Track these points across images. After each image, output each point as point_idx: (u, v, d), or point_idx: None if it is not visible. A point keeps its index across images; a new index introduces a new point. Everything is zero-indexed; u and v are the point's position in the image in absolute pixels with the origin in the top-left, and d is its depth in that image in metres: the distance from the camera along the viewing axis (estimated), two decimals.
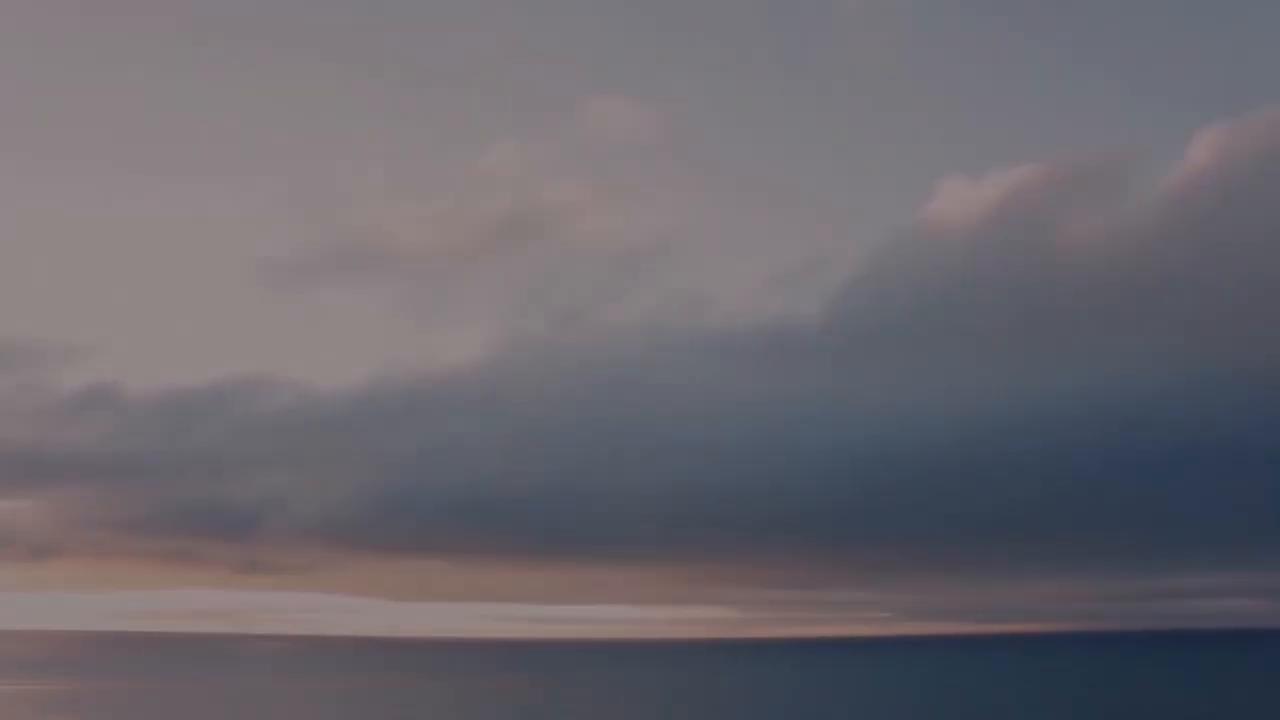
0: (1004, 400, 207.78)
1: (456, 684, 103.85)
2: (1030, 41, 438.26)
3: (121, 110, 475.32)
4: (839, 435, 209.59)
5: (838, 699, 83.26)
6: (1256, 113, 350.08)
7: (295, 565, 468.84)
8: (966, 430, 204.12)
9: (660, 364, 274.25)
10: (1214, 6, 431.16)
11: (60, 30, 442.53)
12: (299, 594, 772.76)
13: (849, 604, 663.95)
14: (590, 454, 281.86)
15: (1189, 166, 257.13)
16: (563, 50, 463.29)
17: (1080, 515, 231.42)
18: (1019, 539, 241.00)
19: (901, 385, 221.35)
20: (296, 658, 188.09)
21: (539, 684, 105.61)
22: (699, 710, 71.35)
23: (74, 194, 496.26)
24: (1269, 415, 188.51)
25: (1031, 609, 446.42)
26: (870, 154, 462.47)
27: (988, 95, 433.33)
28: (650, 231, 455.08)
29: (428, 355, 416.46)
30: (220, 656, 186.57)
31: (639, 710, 70.53)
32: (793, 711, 70.47)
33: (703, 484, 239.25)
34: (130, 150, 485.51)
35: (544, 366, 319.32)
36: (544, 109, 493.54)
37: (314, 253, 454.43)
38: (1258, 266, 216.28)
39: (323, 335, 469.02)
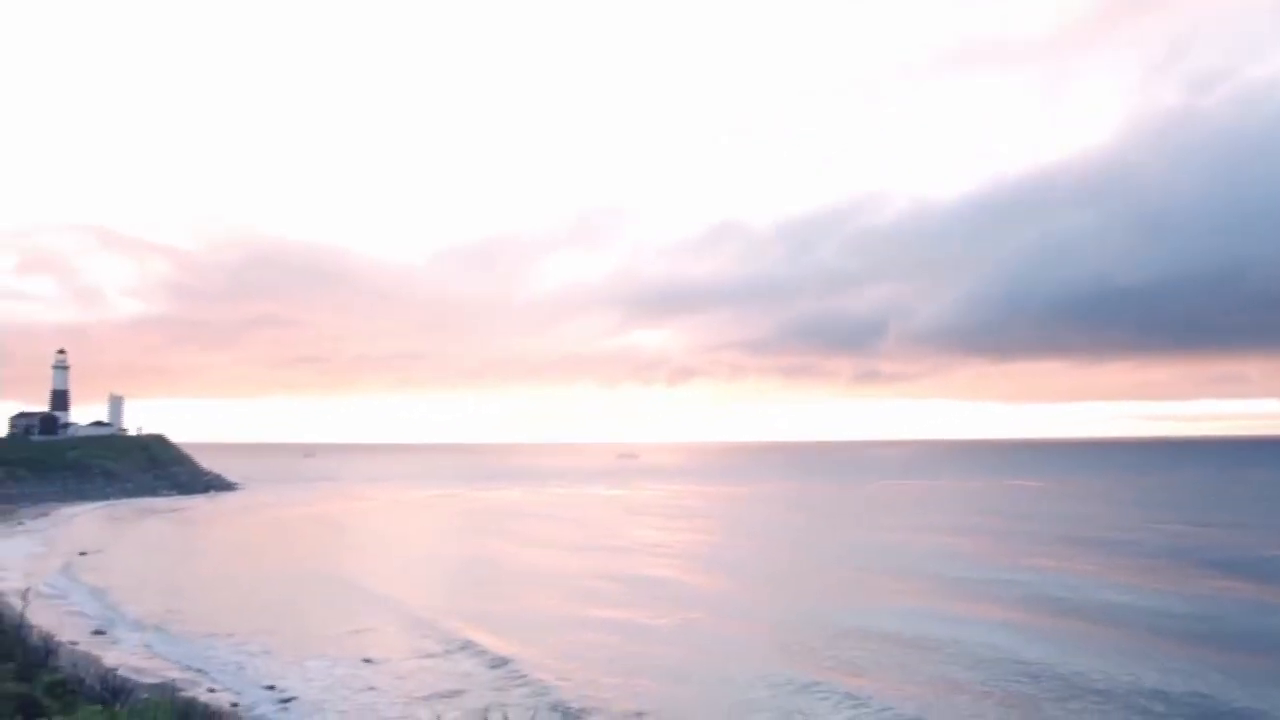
0: None
1: (1079, 486, 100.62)
2: None
3: None
4: None
5: None
6: None
7: (911, 373, 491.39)
8: None
9: None
10: None
11: None
12: (915, 400, 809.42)
13: None
14: (1228, 234, 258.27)
15: None
16: None
17: None
18: None
19: None
20: (916, 461, 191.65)
21: (1167, 485, 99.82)
22: None
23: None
24: None
25: None
26: None
27: None
28: None
29: (1044, 148, 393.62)
30: (845, 462, 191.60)
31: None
32: None
33: None
34: None
35: (1176, 141, 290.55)
36: None
37: (926, 59, 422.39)
38: None
39: (933, 142, 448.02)
